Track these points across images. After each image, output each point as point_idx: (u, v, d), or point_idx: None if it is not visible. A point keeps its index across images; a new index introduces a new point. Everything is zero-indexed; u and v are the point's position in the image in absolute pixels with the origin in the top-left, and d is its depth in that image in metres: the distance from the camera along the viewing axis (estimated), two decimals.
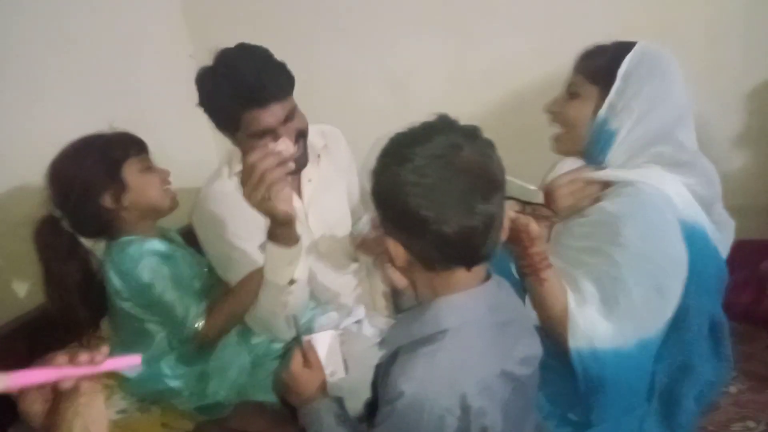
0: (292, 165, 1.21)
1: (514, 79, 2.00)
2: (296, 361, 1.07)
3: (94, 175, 1.36)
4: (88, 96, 1.82)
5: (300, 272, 1.35)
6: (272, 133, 1.41)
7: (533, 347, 0.99)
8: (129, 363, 0.79)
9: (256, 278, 1.38)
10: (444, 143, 0.86)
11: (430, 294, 0.93)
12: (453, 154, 0.85)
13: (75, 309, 1.37)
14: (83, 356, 0.73)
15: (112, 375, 1.45)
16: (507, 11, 2.09)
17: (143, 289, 1.36)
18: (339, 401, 1.09)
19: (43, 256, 1.36)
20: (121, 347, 1.44)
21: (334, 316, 1.61)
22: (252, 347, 1.49)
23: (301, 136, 1.48)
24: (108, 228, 1.41)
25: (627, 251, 1.15)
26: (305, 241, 1.58)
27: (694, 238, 1.18)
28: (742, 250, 2.00)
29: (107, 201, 1.38)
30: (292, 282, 1.34)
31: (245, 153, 1.45)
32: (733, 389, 1.51)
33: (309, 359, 1.08)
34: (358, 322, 1.61)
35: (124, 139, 1.43)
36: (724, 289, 1.27)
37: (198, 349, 1.43)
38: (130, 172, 1.40)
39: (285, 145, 1.26)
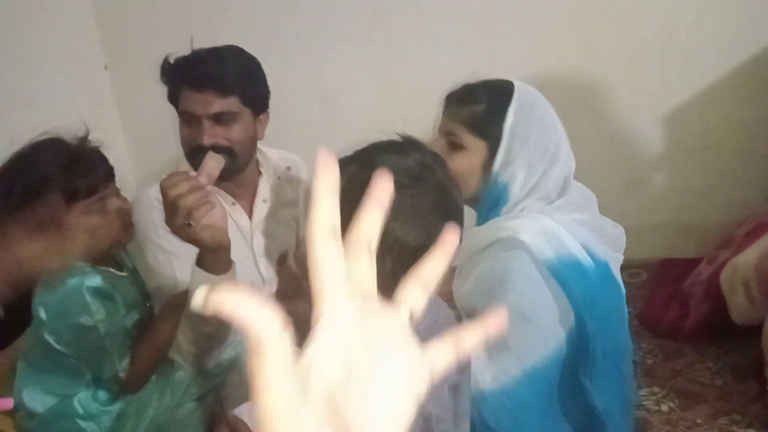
0: (208, 188, 1.13)
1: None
2: None
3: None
4: None
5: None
6: (195, 123, 1.34)
7: None
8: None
9: (178, 306, 1.27)
10: (419, 164, 0.86)
11: None
12: (430, 177, 0.86)
13: None
14: None
15: (7, 413, 1.32)
16: (435, 28, 2.10)
17: (74, 331, 1.24)
18: None
19: None
20: (33, 372, 1.32)
21: None
22: (172, 384, 1.36)
23: (227, 151, 1.37)
24: None
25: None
26: (247, 262, 1.50)
27: (585, 276, 1.15)
28: (666, 268, 2.06)
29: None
30: None
31: (180, 137, 1.40)
32: (664, 407, 1.53)
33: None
34: None
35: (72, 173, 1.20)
36: (626, 316, 1.26)
37: (120, 392, 1.32)
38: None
39: (212, 164, 1.16)
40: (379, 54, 2.14)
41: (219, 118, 1.35)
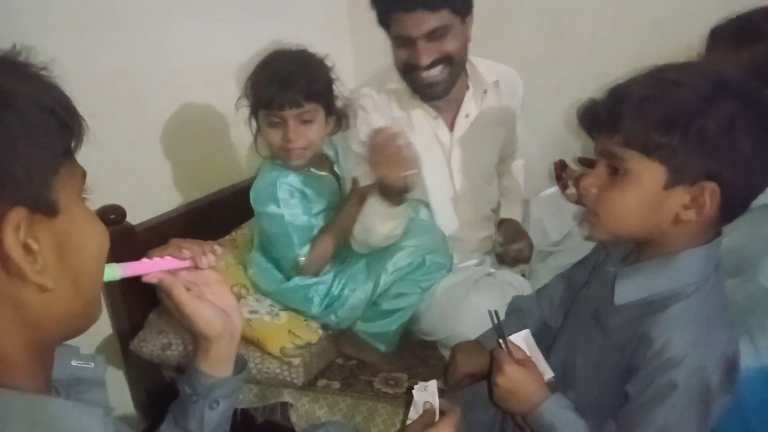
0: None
1: (687, 30, 1.77)
2: (509, 363, 0.96)
3: None
4: (248, 14, 1.87)
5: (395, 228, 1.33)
6: (410, 44, 1.37)
7: None
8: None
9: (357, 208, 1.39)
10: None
11: (676, 248, 0.84)
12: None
13: None
14: (187, 253, 0.77)
15: (247, 278, 1.53)
16: None
17: (265, 216, 1.42)
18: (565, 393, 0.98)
19: None
20: (259, 249, 1.52)
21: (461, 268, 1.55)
22: (382, 270, 1.44)
23: (446, 61, 1.40)
24: None
25: None
26: (443, 175, 1.55)
27: None
28: None
29: None
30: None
31: (395, 59, 1.45)
32: None
33: (519, 358, 0.98)
34: (490, 274, 1.53)
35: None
36: None
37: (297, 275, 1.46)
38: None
39: None
40: None
41: (432, 35, 1.36)
